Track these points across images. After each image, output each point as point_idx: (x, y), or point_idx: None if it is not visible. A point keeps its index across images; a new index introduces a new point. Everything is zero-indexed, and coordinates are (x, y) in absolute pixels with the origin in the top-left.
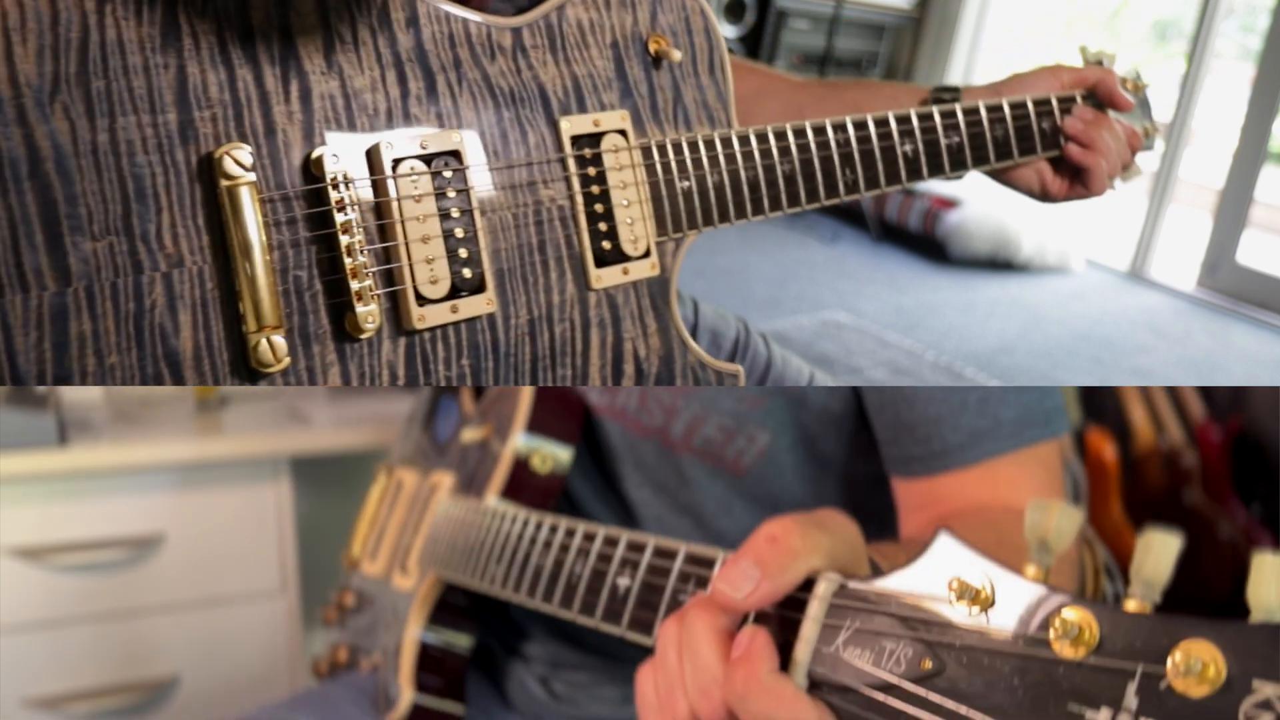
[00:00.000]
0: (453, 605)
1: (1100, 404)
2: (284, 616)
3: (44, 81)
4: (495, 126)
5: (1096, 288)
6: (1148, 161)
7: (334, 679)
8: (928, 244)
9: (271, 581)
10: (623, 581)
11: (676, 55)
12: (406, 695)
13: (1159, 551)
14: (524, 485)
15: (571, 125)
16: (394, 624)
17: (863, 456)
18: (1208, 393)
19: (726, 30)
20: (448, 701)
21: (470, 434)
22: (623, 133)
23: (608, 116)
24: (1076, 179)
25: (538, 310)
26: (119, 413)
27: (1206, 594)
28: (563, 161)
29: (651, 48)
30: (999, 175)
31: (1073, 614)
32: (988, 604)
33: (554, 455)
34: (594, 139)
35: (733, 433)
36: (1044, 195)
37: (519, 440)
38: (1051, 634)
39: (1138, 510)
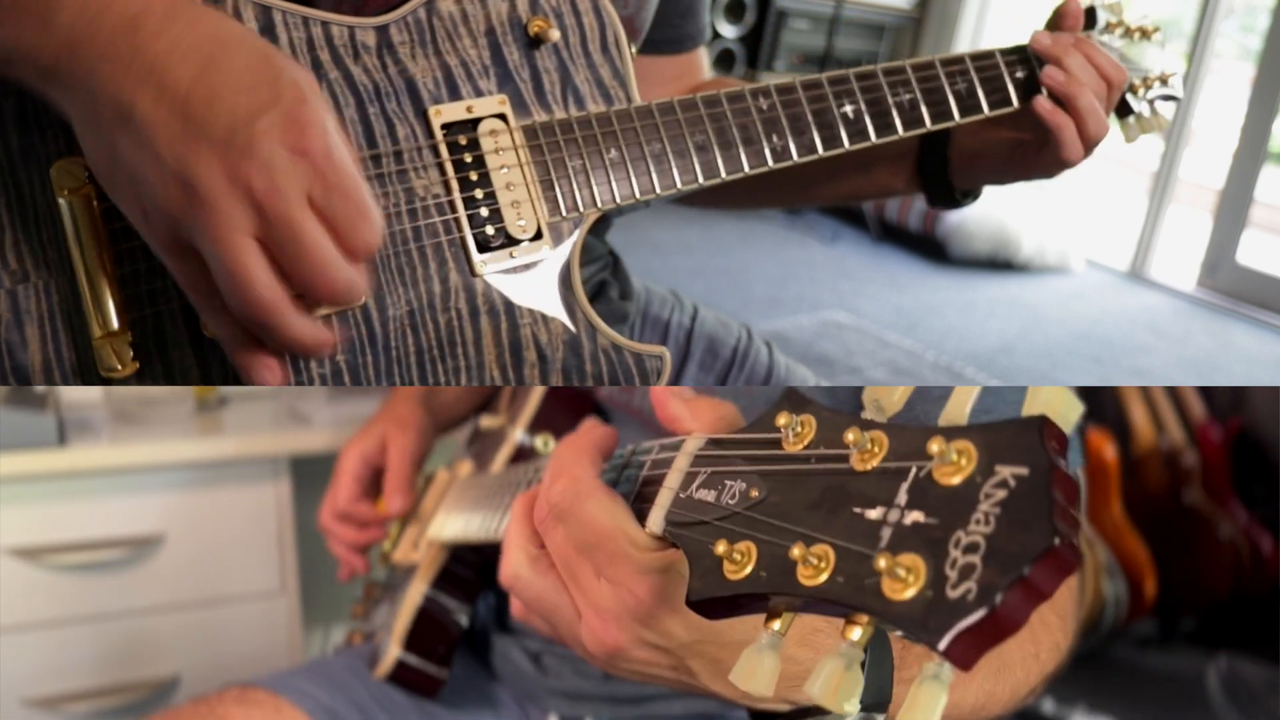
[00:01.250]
0: (455, 575)
1: (1100, 404)
2: (284, 616)
3: None
4: (359, 124)
5: (1096, 288)
6: (1171, 111)
7: (337, 653)
8: (928, 244)
9: (271, 581)
10: (622, 489)
11: (554, 35)
12: (393, 651)
13: (961, 400)
14: (526, 461)
15: (442, 113)
16: (398, 594)
17: None
18: (1208, 393)
19: (726, 30)
20: (433, 665)
21: (488, 421)
22: (501, 117)
23: (483, 102)
24: (1045, 147)
25: (418, 301)
26: (119, 413)
27: (1206, 593)
28: (434, 149)
29: (531, 30)
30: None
31: (868, 432)
32: (809, 437)
33: (554, 445)
34: (469, 125)
35: None
36: (1019, 175)
37: (524, 430)
38: (851, 450)
39: (1138, 510)
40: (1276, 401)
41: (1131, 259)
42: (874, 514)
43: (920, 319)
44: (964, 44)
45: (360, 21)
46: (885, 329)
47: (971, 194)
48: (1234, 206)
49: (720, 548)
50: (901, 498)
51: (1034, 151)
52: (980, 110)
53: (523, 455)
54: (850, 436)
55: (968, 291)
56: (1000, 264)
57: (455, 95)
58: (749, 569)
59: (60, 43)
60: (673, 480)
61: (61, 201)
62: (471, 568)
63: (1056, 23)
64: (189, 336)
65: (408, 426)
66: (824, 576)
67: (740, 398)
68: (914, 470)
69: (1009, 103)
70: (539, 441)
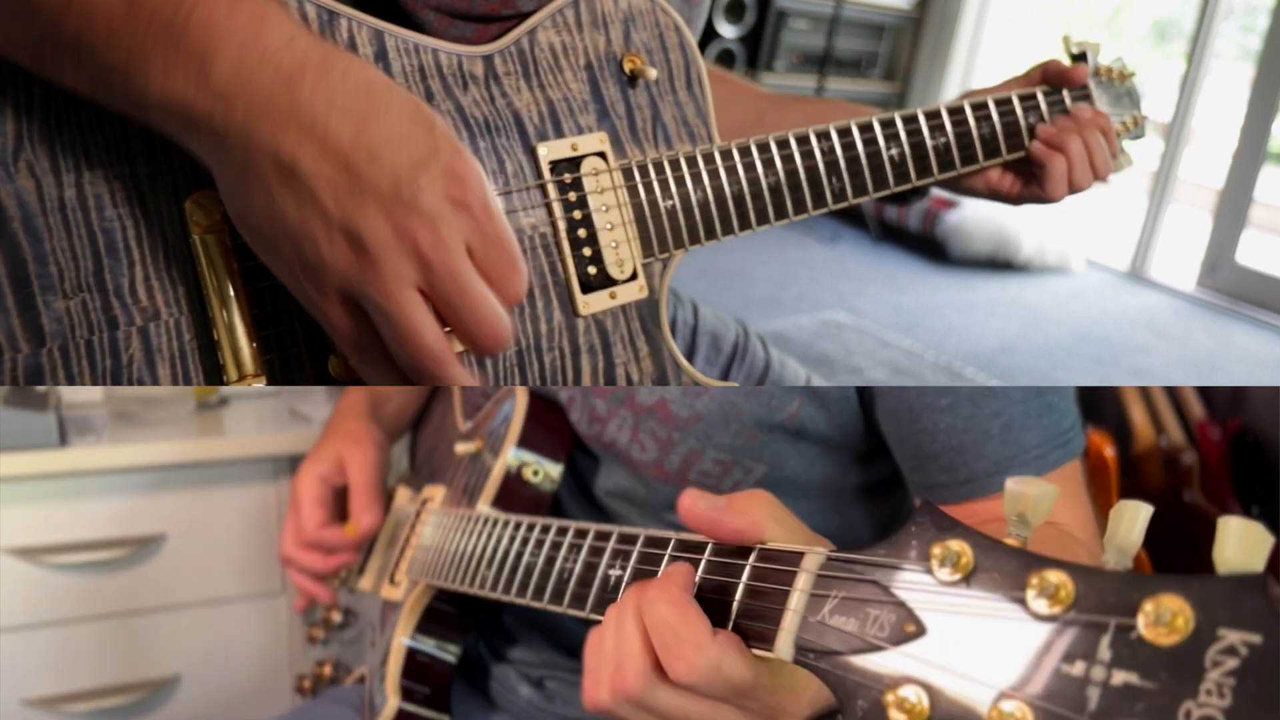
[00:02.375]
0: (441, 614)
1: (1100, 404)
2: (283, 616)
3: (6, 140)
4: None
5: (1096, 288)
6: (1139, 152)
7: (319, 695)
8: (928, 244)
9: (271, 581)
10: (614, 573)
11: (652, 73)
12: (391, 702)
13: (1130, 519)
14: (515, 495)
15: (549, 151)
16: (382, 634)
17: (861, 479)
18: (1207, 393)
19: (726, 30)
20: (432, 711)
21: (462, 447)
22: (602, 155)
23: (586, 139)
24: (1032, 179)
25: (526, 340)
26: (119, 413)
27: None
28: (542, 188)
29: (626, 67)
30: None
31: (1049, 574)
32: (968, 569)
33: (545, 469)
34: (573, 163)
35: (729, 466)
36: (994, 195)
37: (511, 453)
38: (1029, 594)
39: None
40: (1276, 401)
41: (1131, 259)
42: (1074, 669)
43: (920, 319)
44: (964, 44)
45: (467, 50)
46: (885, 329)
47: (920, 191)
48: (1234, 206)
49: (889, 695)
50: (1104, 653)
51: (1017, 179)
52: (1000, 154)
53: (511, 483)
54: (1035, 580)
55: (968, 291)
56: (1000, 264)
57: (559, 131)
58: (923, 718)
59: (215, 95)
60: (796, 602)
61: (195, 239)
62: (454, 603)
63: (1057, 79)
64: (315, 375)
65: (364, 442)
66: None
67: (746, 394)
68: (1113, 625)
69: (1022, 147)
70: (527, 472)
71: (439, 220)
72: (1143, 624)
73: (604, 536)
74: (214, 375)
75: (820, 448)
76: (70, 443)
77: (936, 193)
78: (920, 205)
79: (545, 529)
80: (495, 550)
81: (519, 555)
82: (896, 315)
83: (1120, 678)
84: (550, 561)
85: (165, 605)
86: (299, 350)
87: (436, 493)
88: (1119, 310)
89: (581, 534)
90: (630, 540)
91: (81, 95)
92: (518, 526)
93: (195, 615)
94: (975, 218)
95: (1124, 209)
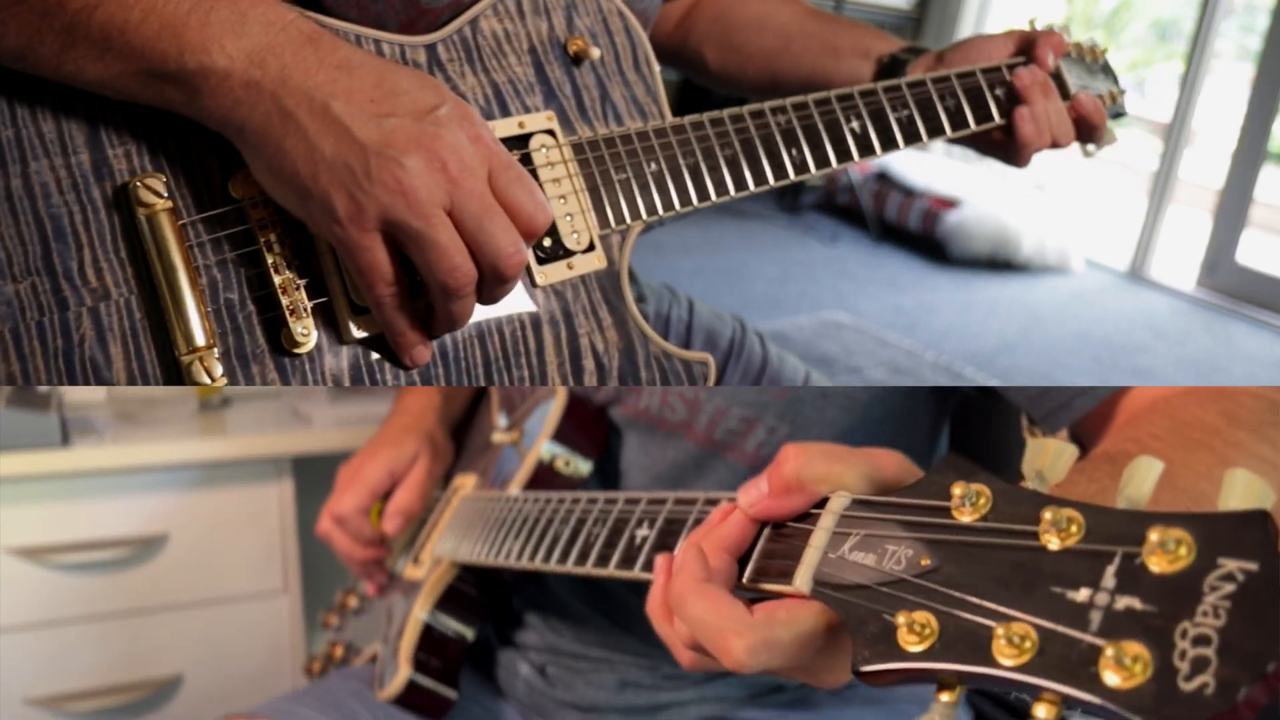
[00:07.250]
0: (461, 594)
1: None
2: (286, 616)
3: None
4: None
5: (1096, 288)
6: (1137, 147)
7: (329, 674)
8: (928, 244)
9: (274, 581)
10: (641, 532)
11: (595, 52)
12: (403, 672)
13: (1143, 473)
14: (546, 484)
15: (496, 129)
16: (400, 610)
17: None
18: None
19: None
20: (442, 686)
21: (500, 437)
22: (550, 133)
23: (532, 118)
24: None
25: (484, 313)
26: (121, 413)
27: None
28: None
29: (571, 49)
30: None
31: (1062, 511)
32: (985, 509)
33: (576, 463)
34: (520, 140)
35: (753, 423)
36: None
37: (545, 446)
38: (1040, 527)
39: None
40: None
41: (1131, 259)
42: (1079, 595)
43: (920, 319)
44: None
45: (409, 40)
46: (885, 329)
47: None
48: (1234, 206)
49: (900, 617)
50: (1109, 581)
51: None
52: (967, 126)
53: (543, 471)
54: (1048, 515)
55: (968, 291)
56: (1000, 264)
57: (505, 111)
58: (931, 641)
59: (249, 57)
60: (819, 539)
61: (141, 218)
62: (474, 585)
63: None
64: (270, 348)
65: (440, 456)
66: (1027, 657)
67: (747, 393)
68: (1119, 554)
69: (990, 118)
70: (559, 463)
71: (461, 150)
72: (1147, 551)
73: (633, 501)
74: (166, 351)
75: (843, 412)
76: (72, 443)
77: (937, 192)
78: (920, 205)
79: (575, 500)
80: (523, 522)
81: (548, 523)
82: (896, 315)
83: (1123, 603)
84: (578, 527)
85: (167, 605)
86: (252, 323)
87: (468, 481)
88: (1119, 310)
89: (611, 500)
90: (659, 502)
91: (96, 85)
92: (546, 501)
93: (197, 615)
94: (975, 217)
95: (1124, 209)
